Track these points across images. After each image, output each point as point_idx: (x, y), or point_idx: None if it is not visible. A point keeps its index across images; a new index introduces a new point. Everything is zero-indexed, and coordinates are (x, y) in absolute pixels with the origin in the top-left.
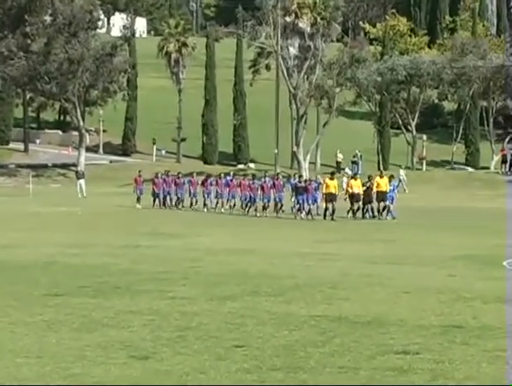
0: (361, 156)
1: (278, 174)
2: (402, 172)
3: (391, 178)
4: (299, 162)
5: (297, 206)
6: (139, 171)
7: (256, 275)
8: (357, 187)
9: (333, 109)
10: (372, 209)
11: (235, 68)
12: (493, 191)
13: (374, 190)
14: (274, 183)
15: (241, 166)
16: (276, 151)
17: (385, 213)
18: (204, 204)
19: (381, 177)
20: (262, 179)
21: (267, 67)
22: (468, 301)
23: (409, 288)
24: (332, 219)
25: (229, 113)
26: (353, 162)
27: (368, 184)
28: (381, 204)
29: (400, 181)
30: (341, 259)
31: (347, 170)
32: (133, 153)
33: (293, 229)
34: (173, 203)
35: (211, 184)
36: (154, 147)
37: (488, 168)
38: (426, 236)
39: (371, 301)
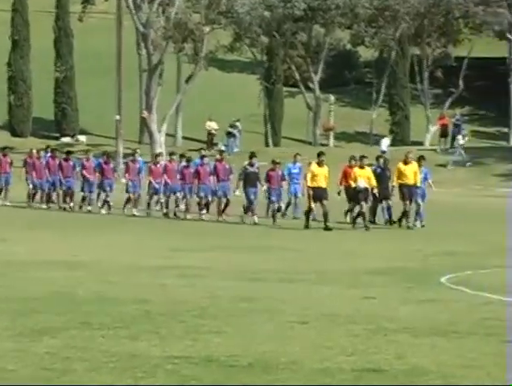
0: (238, 126)
1: (222, 151)
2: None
3: (420, 162)
4: (151, 135)
5: (247, 203)
6: (4, 148)
7: (88, 299)
8: (365, 179)
9: (201, 57)
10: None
11: None
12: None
13: (395, 183)
14: (215, 167)
15: (66, 140)
16: (118, 118)
17: (413, 218)
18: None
19: (405, 163)
20: (199, 161)
21: None
22: (392, 333)
23: (308, 316)
24: (327, 227)
25: (48, 62)
26: (229, 134)
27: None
28: (408, 204)
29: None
30: (211, 275)
31: (220, 145)
32: None
33: (146, 233)
34: (56, 199)
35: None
36: None
37: (421, 143)
38: (334, 241)
39: (253, 335)
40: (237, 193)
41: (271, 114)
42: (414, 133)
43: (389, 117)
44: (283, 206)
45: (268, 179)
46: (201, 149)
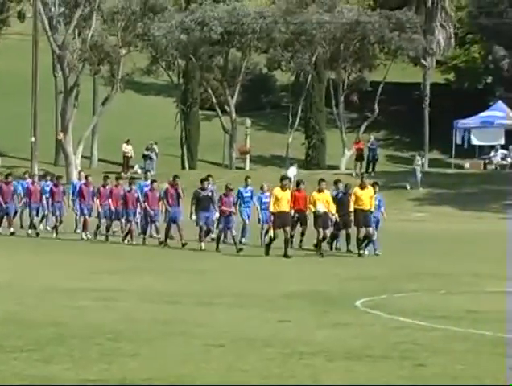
0: (154, 148)
1: (175, 177)
2: None
3: (374, 188)
4: (66, 156)
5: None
6: None
7: (1, 321)
8: (323, 204)
9: (117, 80)
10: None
11: None
12: None
13: (351, 208)
14: (166, 192)
15: None
16: (33, 139)
17: (364, 244)
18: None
19: (362, 187)
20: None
21: (20, 16)
22: (307, 357)
23: (223, 339)
24: (286, 254)
25: None
26: (145, 157)
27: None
28: (362, 231)
29: None
30: (128, 297)
31: (136, 167)
32: None
33: (66, 255)
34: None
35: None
36: None
37: (337, 167)
38: (250, 265)
39: (169, 358)
40: (194, 217)
41: (188, 137)
42: (330, 156)
43: (305, 140)
44: (233, 232)
45: (221, 204)
46: (131, 177)
